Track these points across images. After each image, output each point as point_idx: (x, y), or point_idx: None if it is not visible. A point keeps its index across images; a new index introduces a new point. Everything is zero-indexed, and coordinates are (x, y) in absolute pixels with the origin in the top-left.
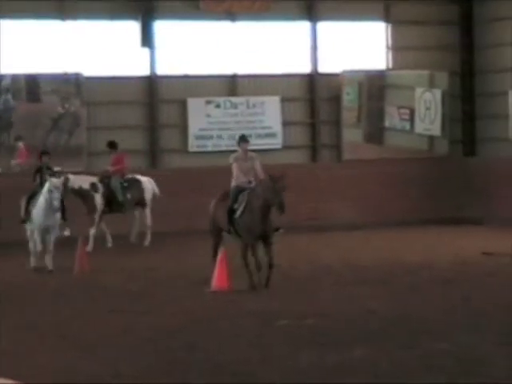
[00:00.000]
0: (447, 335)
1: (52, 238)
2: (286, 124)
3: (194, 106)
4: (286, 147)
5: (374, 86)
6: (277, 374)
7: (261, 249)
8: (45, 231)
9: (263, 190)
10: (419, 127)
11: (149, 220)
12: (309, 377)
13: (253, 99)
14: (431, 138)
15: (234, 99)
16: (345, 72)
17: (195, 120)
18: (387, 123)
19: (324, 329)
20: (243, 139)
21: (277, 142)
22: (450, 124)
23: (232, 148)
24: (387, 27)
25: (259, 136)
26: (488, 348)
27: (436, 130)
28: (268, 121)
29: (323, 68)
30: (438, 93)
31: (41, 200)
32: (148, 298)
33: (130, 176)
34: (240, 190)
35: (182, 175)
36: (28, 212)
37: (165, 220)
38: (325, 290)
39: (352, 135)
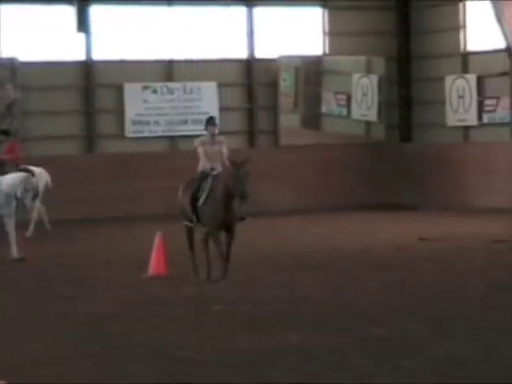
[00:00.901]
0: (383, 320)
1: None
2: (222, 109)
3: (131, 91)
4: (223, 133)
5: (310, 72)
6: (212, 358)
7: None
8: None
9: (226, 176)
10: (356, 113)
11: (36, 212)
12: (244, 360)
13: (190, 84)
14: (368, 124)
15: (170, 84)
16: (282, 57)
17: (132, 105)
18: (324, 109)
19: (260, 314)
20: (211, 122)
21: None
22: (387, 110)
23: (168, 134)
24: (324, 12)
25: (196, 121)
26: (423, 332)
27: (373, 115)
28: (205, 106)
29: (260, 53)
30: (374, 78)
31: None
32: (85, 284)
33: (23, 166)
34: (204, 177)
35: (119, 161)
36: None
37: (101, 205)
38: (262, 275)
39: (289, 121)
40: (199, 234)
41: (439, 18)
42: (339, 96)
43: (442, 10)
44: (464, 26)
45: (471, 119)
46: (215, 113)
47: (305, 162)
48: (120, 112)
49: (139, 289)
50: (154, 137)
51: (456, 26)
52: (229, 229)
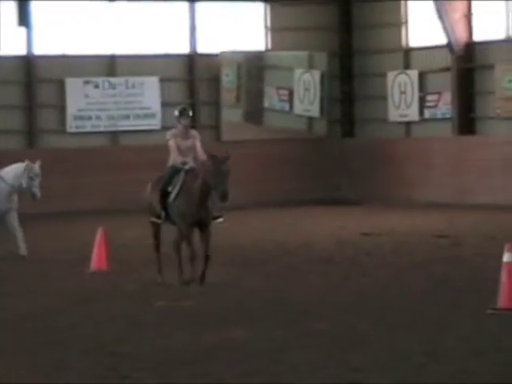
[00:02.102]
0: (326, 315)
1: (14, 223)
2: (164, 105)
3: (73, 86)
4: (165, 128)
5: (253, 67)
6: (154, 353)
7: (196, 238)
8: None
9: (204, 172)
10: (298, 108)
11: None
12: (186, 355)
13: (132, 80)
14: (310, 119)
15: (112, 79)
16: (224, 53)
17: (73, 100)
18: (266, 104)
19: (203, 309)
20: (184, 113)
21: (156, 123)
22: (329, 105)
23: (110, 129)
24: (266, 8)
25: (138, 117)
26: (365, 326)
27: (315, 110)
28: (147, 101)
29: (202, 48)
30: (316, 74)
31: None
32: (27, 279)
33: None
34: (175, 171)
35: (61, 156)
36: None
37: (42, 201)
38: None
39: (231, 116)
40: (165, 233)
41: (381, 14)
42: (281, 91)
43: (384, 6)
44: (406, 22)
45: (413, 115)
46: (157, 108)
47: (247, 157)
48: (61, 107)
49: (81, 284)
50: (96, 132)
51: (398, 22)
52: (203, 227)
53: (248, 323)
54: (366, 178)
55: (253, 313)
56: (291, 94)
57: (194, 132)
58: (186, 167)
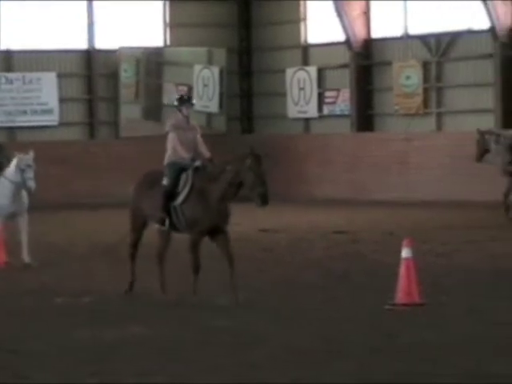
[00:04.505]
0: (224, 312)
1: (23, 225)
2: (62, 100)
3: None
4: (63, 124)
5: (151, 63)
6: (54, 350)
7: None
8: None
9: (240, 168)
10: (197, 104)
11: None
12: (85, 353)
13: (29, 75)
14: (209, 115)
15: (9, 75)
16: (122, 48)
17: None
18: (165, 100)
19: (102, 306)
20: (186, 101)
21: (53, 119)
22: (228, 101)
23: (7, 125)
24: (165, 4)
25: (35, 112)
26: (263, 324)
27: (214, 107)
28: (45, 97)
29: (100, 44)
30: (215, 70)
31: (3, 183)
32: None
33: None
34: (180, 168)
35: None
36: None
37: None
38: (103, 267)
39: (130, 112)
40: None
41: (280, 11)
42: (180, 87)
43: (283, 3)
44: (304, 19)
45: (312, 111)
46: (55, 104)
47: (146, 153)
48: None
49: None
50: None
51: (296, 19)
52: (219, 232)
53: (147, 320)
54: (266, 174)
55: (152, 310)
56: (190, 90)
57: (194, 123)
58: (196, 164)
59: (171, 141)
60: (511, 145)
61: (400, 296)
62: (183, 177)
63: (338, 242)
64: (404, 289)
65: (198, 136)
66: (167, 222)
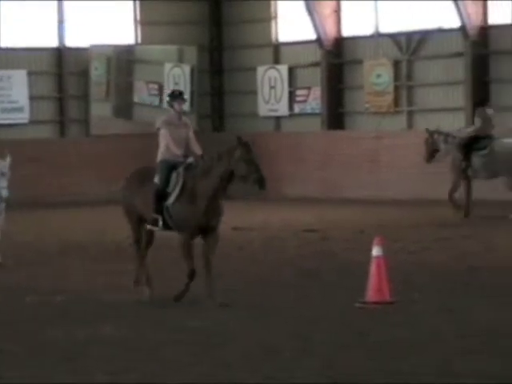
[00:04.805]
0: (198, 312)
1: None
2: (32, 98)
3: None
4: (34, 122)
5: (122, 61)
6: (26, 349)
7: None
8: None
9: (229, 160)
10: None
11: None
12: (58, 352)
13: None
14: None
15: None
16: (93, 46)
17: None
18: (136, 98)
19: (74, 305)
20: (178, 96)
21: (24, 117)
22: (199, 99)
23: None
24: (135, 2)
25: (5, 110)
26: (236, 323)
27: (185, 105)
28: (15, 95)
29: (71, 42)
30: (186, 68)
31: None
32: None
33: None
34: (171, 167)
35: None
36: None
37: None
38: (75, 266)
39: (101, 110)
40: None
41: (251, 9)
42: (151, 85)
43: (254, 1)
44: (275, 17)
45: (283, 109)
46: (25, 102)
47: (117, 151)
48: None
49: None
50: None
51: (268, 17)
52: (210, 231)
53: (121, 320)
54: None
55: (125, 309)
56: (161, 88)
57: (186, 120)
58: (188, 161)
59: (163, 137)
60: (461, 143)
61: (371, 294)
62: (174, 176)
63: (310, 240)
64: (375, 287)
65: (191, 133)
66: (160, 222)
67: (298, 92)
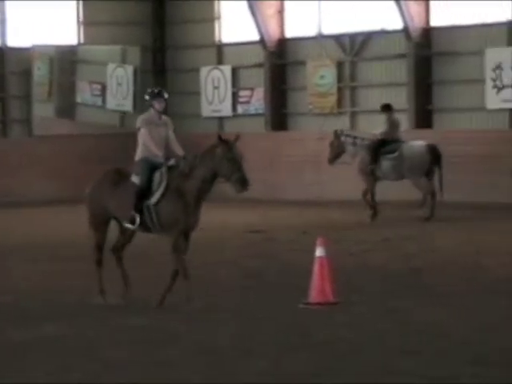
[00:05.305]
0: (141, 311)
1: None
2: None
3: None
4: None
5: (65, 61)
6: None
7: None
8: None
9: (211, 160)
10: (111, 103)
11: None
12: None
13: None
14: (123, 114)
15: None
16: (36, 46)
17: None
18: (79, 98)
19: (14, 306)
20: (157, 95)
21: None
22: (142, 100)
23: None
24: (79, 2)
25: None
26: (178, 323)
27: (128, 105)
28: None
29: (13, 42)
30: (129, 68)
31: None
32: None
33: None
34: (153, 166)
35: None
36: None
37: None
38: (18, 266)
39: (43, 110)
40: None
41: (194, 9)
42: (94, 86)
43: (197, 2)
44: (219, 18)
45: (226, 110)
46: None
47: (60, 152)
48: None
49: None
50: None
51: (211, 18)
52: (186, 235)
53: (60, 319)
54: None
55: (65, 308)
56: (104, 88)
57: (166, 119)
58: (170, 163)
59: (142, 137)
60: (370, 146)
61: (314, 295)
62: (157, 175)
63: (253, 241)
64: (318, 288)
65: (171, 132)
66: (137, 220)
67: (242, 93)
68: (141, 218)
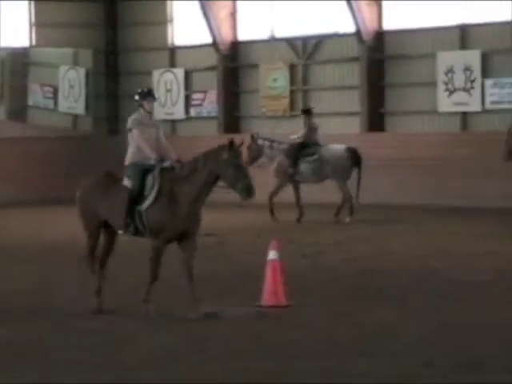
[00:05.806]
0: (98, 314)
1: None
2: None
3: None
4: None
5: (17, 63)
6: None
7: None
8: None
9: (215, 163)
10: (63, 106)
11: None
12: None
13: None
14: (75, 116)
15: None
16: None
17: None
18: (31, 101)
19: None
20: (147, 95)
21: None
22: (94, 102)
23: None
24: (30, 3)
25: None
26: (134, 326)
27: (80, 108)
28: None
29: None
30: (81, 71)
31: None
32: None
33: None
34: (145, 170)
35: None
36: None
37: None
38: None
39: None
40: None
41: (147, 12)
42: (46, 88)
43: (150, 4)
44: (171, 21)
45: (179, 113)
46: None
47: (11, 154)
48: None
49: None
50: None
51: (163, 20)
52: (190, 237)
53: (15, 322)
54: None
55: (21, 311)
56: (56, 91)
57: (155, 120)
58: (164, 165)
59: (135, 138)
60: (289, 149)
61: (266, 298)
62: (149, 179)
63: (207, 244)
64: (270, 290)
65: (161, 133)
66: (132, 227)
67: (194, 95)
68: (134, 224)
